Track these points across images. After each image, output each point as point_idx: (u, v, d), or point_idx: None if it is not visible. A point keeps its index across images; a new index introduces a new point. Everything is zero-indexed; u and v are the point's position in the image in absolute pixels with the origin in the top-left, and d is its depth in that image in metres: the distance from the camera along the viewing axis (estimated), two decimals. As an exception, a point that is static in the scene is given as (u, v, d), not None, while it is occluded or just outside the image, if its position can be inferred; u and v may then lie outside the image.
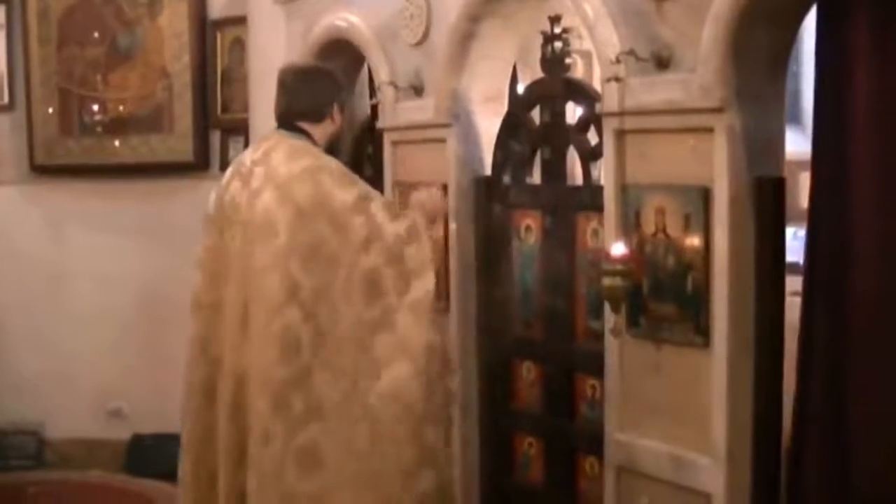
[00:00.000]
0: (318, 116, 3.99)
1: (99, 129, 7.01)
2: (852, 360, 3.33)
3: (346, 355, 3.72)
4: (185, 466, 4.14)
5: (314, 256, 3.70)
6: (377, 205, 3.82)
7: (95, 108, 7.01)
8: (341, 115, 4.09)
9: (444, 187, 4.66)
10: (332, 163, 3.89)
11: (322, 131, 4.00)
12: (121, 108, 6.97)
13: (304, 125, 3.96)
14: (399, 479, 3.72)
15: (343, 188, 3.78)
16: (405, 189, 4.81)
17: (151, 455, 6.80)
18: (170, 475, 6.59)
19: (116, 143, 6.98)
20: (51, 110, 7.05)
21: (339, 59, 5.64)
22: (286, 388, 3.69)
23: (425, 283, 3.79)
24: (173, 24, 6.88)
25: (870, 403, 3.29)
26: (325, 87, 4.06)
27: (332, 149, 4.08)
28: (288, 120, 3.98)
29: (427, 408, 3.75)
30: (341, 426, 3.72)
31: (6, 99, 7.13)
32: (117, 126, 6.99)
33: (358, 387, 3.72)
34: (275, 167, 3.81)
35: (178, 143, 6.90)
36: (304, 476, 3.71)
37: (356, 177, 3.96)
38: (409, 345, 3.73)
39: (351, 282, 3.70)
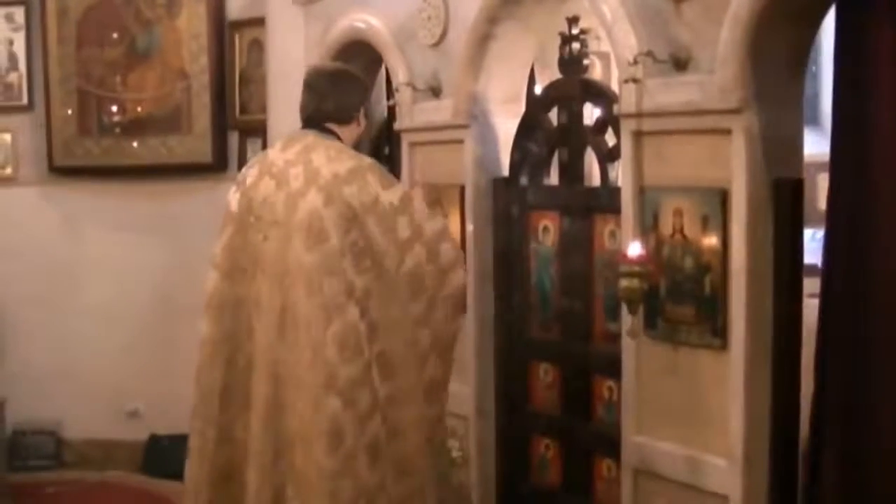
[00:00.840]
0: (345, 119, 3.98)
1: (117, 129, 7.02)
2: (870, 362, 3.31)
3: (394, 349, 3.81)
4: (194, 468, 4.12)
5: (364, 256, 3.74)
6: (416, 204, 3.91)
7: (114, 108, 7.01)
8: (365, 118, 4.11)
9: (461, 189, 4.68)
10: (372, 163, 3.92)
11: (349, 133, 4.00)
12: (139, 108, 6.98)
13: (333, 126, 3.95)
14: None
15: (387, 189, 3.82)
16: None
17: (168, 455, 6.80)
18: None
19: (135, 144, 6.99)
20: (70, 111, 7.06)
21: (357, 60, 5.64)
22: (354, 386, 3.71)
23: (458, 278, 3.96)
24: (192, 24, 6.88)
25: (888, 406, 3.28)
26: (353, 89, 4.06)
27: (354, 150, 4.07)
28: (316, 121, 3.96)
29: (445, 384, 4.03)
30: (393, 415, 3.81)
31: (25, 100, 7.15)
32: (136, 127, 7.00)
33: (406, 377, 3.84)
34: (316, 168, 3.80)
35: (196, 144, 6.90)
36: (372, 468, 3.74)
37: (393, 177, 4.04)
38: (441, 338, 3.93)
39: (397, 279, 3.79)
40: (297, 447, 3.76)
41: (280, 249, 3.80)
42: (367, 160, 3.92)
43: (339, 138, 3.95)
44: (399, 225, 3.80)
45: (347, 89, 4.02)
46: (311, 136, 3.93)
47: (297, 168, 3.82)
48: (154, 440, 6.93)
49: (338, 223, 3.71)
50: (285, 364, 3.78)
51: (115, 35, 6.99)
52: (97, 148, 7.06)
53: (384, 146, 5.98)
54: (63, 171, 7.12)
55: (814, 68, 6.18)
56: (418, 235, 3.84)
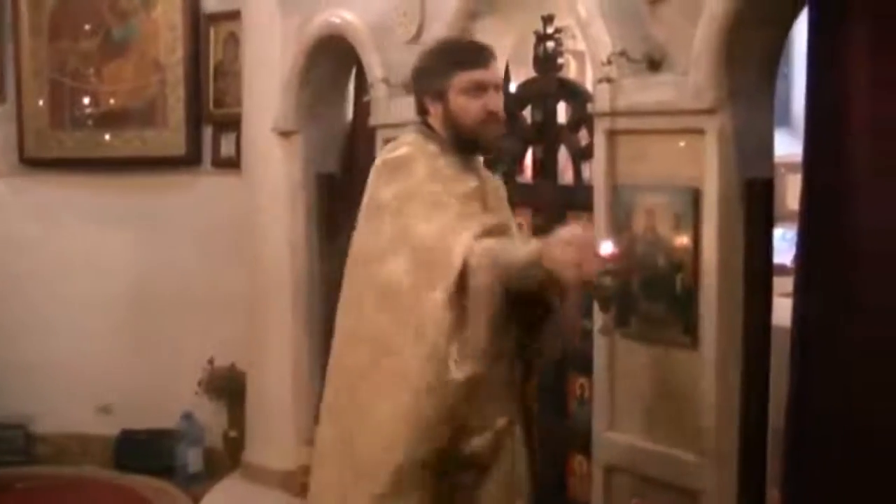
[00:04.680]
0: (421, 109, 3.47)
1: (90, 122, 6.99)
2: (845, 360, 3.34)
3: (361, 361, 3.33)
4: None
5: (354, 258, 3.40)
6: (418, 203, 3.24)
7: (87, 100, 6.98)
8: (441, 102, 3.37)
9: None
10: (399, 154, 3.36)
11: (434, 121, 3.41)
12: (112, 101, 6.95)
13: (426, 118, 3.47)
14: None
15: (386, 184, 3.31)
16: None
17: (142, 451, 6.80)
18: (159, 471, 6.64)
19: (107, 136, 6.96)
20: (41, 102, 7.02)
21: (334, 55, 5.65)
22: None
23: (441, 288, 3.12)
24: (168, 16, 6.84)
25: (864, 400, 3.31)
26: (417, 77, 3.54)
27: (473, 138, 3.36)
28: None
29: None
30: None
31: (-4, 91, 7.10)
32: (109, 119, 6.95)
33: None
34: None
35: (170, 137, 6.87)
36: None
37: (419, 170, 3.30)
38: (409, 374, 3.17)
39: (370, 287, 3.29)
40: None
41: None
42: (402, 150, 3.37)
43: (431, 126, 3.44)
44: (384, 224, 3.27)
45: (414, 79, 3.56)
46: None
47: None
48: (126, 435, 6.90)
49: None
50: None
51: (89, 26, 6.95)
52: (70, 140, 7.02)
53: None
54: (35, 162, 7.06)
55: (785, 69, 6.23)
56: (403, 238, 3.21)
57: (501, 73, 3.35)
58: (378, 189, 3.33)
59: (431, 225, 3.19)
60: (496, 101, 3.37)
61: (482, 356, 3.11)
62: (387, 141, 5.10)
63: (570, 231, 3.14)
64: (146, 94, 6.90)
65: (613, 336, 3.88)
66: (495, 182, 3.53)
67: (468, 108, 3.33)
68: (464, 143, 3.37)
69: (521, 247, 3.16)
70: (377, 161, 3.42)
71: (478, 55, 3.42)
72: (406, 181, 3.28)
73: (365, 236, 3.35)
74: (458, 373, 3.09)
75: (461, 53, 3.46)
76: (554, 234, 3.07)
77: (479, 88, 3.33)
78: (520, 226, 4.48)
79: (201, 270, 6.76)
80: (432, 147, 3.35)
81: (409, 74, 4.83)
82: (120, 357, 6.90)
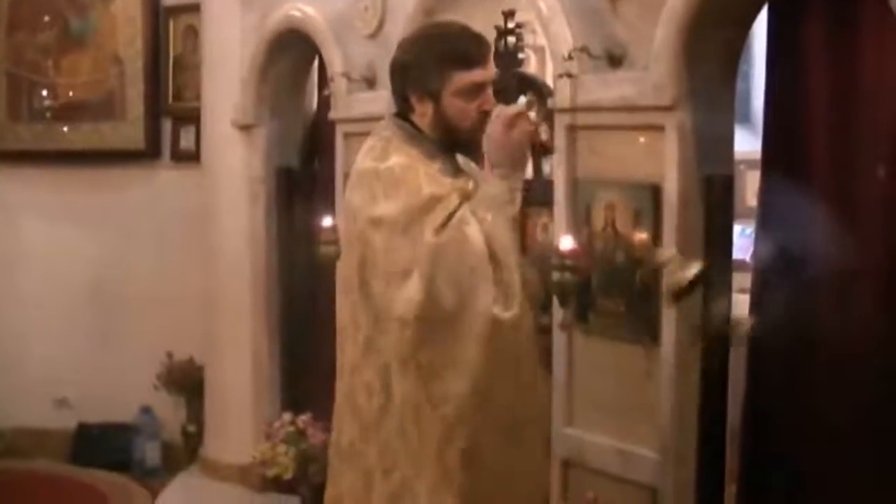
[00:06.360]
0: (404, 109, 3.16)
1: (48, 114, 6.94)
2: (803, 355, 3.38)
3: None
4: None
5: (347, 279, 3.14)
6: (434, 217, 2.95)
7: (45, 93, 6.93)
8: (432, 102, 3.08)
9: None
10: (395, 164, 3.03)
11: (419, 121, 3.12)
12: (70, 93, 6.90)
13: (408, 114, 3.18)
14: None
15: (386, 199, 2.98)
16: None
17: (98, 445, 6.75)
18: (117, 465, 6.59)
19: (65, 129, 6.91)
20: (-2, 94, 6.99)
21: (294, 49, 5.63)
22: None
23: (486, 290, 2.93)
24: (126, 9, 6.80)
25: (819, 397, 3.34)
26: (395, 73, 3.17)
27: (467, 140, 3.12)
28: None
29: None
30: None
31: (-49, 83, 7.03)
32: (68, 112, 6.91)
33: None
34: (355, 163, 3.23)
35: (129, 130, 6.82)
36: None
37: (418, 178, 3.01)
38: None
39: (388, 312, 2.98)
40: None
41: None
42: (395, 158, 3.04)
43: (415, 125, 3.14)
44: (396, 248, 2.95)
45: (398, 72, 3.17)
46: (380, 124, 3.27)
47: None
48: (83, 429, 6.85)
49: (347, 236, 3.16)
50: None
51: (47, 18, 6.90)
52: (28, 133, 6.98)
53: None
54: (-8, 155, 7.03)
55: (745, 67, 6.26)
56: (418, 265, 2.91)
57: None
58: (375, 202, 3.00)
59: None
60: (491, 100, 3.11)
61: (520, 296, 2.99)
62: (347, 135, 5.12)
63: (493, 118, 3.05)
64: (105, 87, 6.86)
65: (573, 331, 3.88)
66: (475, 174, 3.24)
67: (466, 111, 3.06)
68: (454, 145, 3.13)
69: (484, 186, 3.05)
70: (363, 167, 3.11)
71: (477, 51, 3.10)
72: (410, 197, 2.97)
73: (366, 253, 3.03)
74: (505, 313, 2.93)
75: (458, 48, 3.08)
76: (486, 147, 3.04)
77: (478, 89, 3.08)
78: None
79: (160, 264, 6.73)
80: (417, 151, 3.07)
81: (372, 67, 4.93)
82: (78, 350, 6.85)
